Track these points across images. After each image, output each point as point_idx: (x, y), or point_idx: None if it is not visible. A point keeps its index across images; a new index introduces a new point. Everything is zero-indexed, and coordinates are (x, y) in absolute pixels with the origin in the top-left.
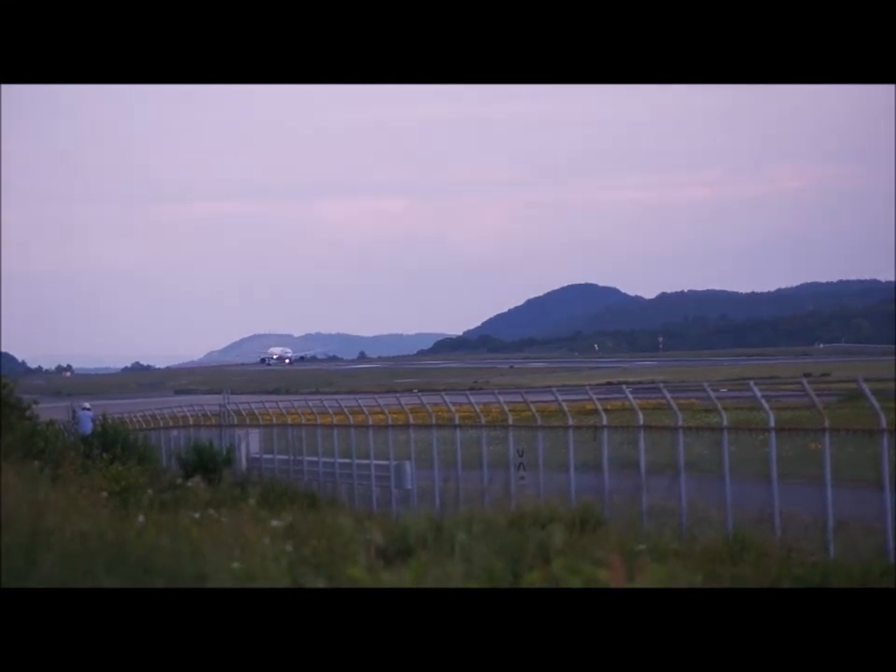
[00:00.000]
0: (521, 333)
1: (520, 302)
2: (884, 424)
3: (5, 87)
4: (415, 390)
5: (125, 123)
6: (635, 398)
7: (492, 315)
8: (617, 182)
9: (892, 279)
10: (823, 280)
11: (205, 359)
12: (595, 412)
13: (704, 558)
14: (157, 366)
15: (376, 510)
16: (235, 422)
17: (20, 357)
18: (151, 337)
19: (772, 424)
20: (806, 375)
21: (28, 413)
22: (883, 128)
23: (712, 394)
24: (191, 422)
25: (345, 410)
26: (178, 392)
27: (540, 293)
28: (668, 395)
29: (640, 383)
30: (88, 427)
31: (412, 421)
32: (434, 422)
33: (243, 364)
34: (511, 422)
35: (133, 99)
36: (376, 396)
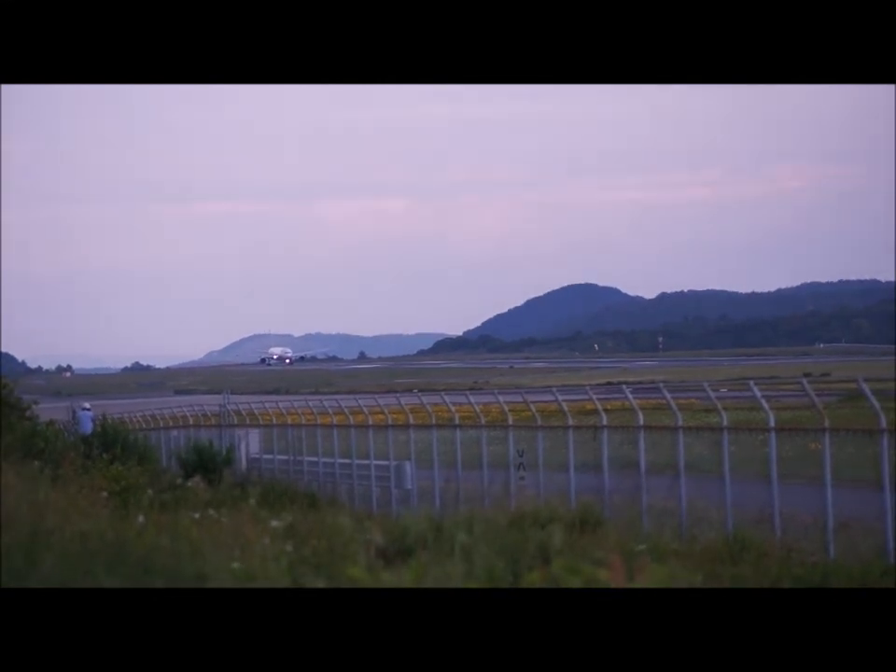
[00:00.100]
0: (521, 333)
1: (520, 302)
2: (884, 424)
3: (5, 87)
4: (415, 390)
5: (125, 123)
6: (635, 398)
7: (492, 315)
8: (617, 182)
9: (892, 279)
10: (823, 280)
11: (205, 359)
12: (595, 412)
13: (704, 558)
14: (157, 366)
15: (376, 510)
16: (235, 422)
17: (20, 358)
18: (151, 337)
19: (772, 424)
20: (806, 375)
21: (28, 413)
22: (883, 128)
23: (712, 394)
24: (191, 422)
25: (345, 410)
26: (178, 392)
27: (540, 293)
28: (668, 395)
29: (640, 383)
30: (88, 428)
31: (412, 421)
32: (434, 422)
33: (243, 364)
34: (510, 422)
35: (133, 99)
36: (376, 396)
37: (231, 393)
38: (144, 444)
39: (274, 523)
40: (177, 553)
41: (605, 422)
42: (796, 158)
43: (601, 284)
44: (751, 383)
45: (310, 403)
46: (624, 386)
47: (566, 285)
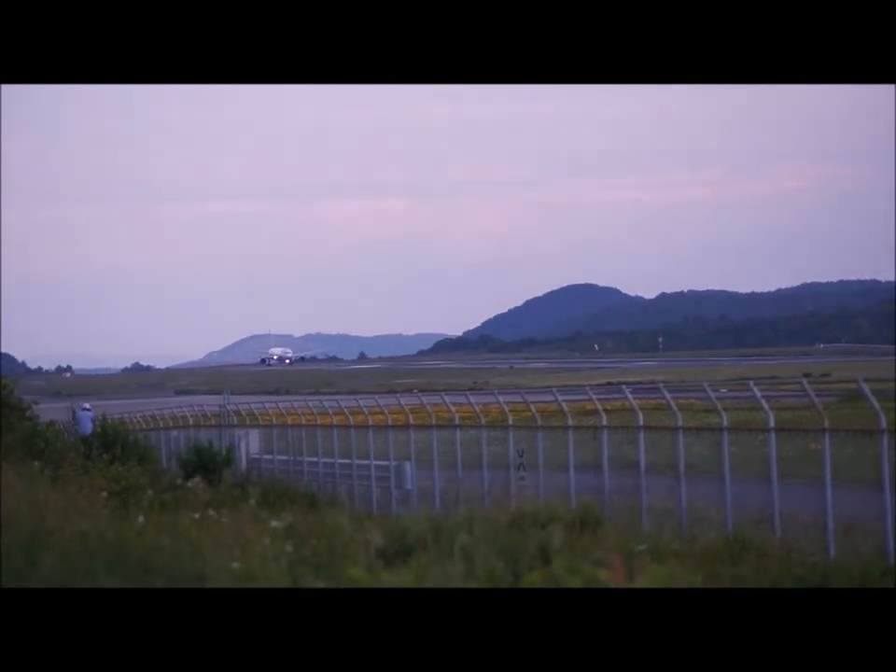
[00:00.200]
0: (521, 333)
1: (520, 303)
2: (884, 424)
3: (5, 87)
4: (415, 390)
5: (125, 123)
6: (635, 398)
7: (492, 315)
8: (617, 182)
9: (892, 279)
10: (823, 280)
11: (205, 360)
12: (595, 412)
13: (704, 558)
14: (157, 366)
15: (376, 510)
16: (235, 422)
17: (20, 358)
18: (151, 337)
19: (772, 424)
20: (806, 375)
21: (28, 413)
22: (883, 128)
23: (712, 394)
24: (191, 422)
25: (345, 410)
26: (178, 392)
27: (540, 293)
28: (668, 395)
29: (640, 383)
30: (88, 428)
31: (412, 421)
32: (434, 422)
33: (243, 364)
34: (510, 422)
35: (133, 99)
36: (376, 396)
37: (231, 393)
38: (144, 445)
39: (274, 523)
40: (177, 553)
41: (605, 422)
42: (796, 158)
43: (601, 284)
44: (751, 383)
45: (310, 403)
46: (624, 387)
47: (565, 285)
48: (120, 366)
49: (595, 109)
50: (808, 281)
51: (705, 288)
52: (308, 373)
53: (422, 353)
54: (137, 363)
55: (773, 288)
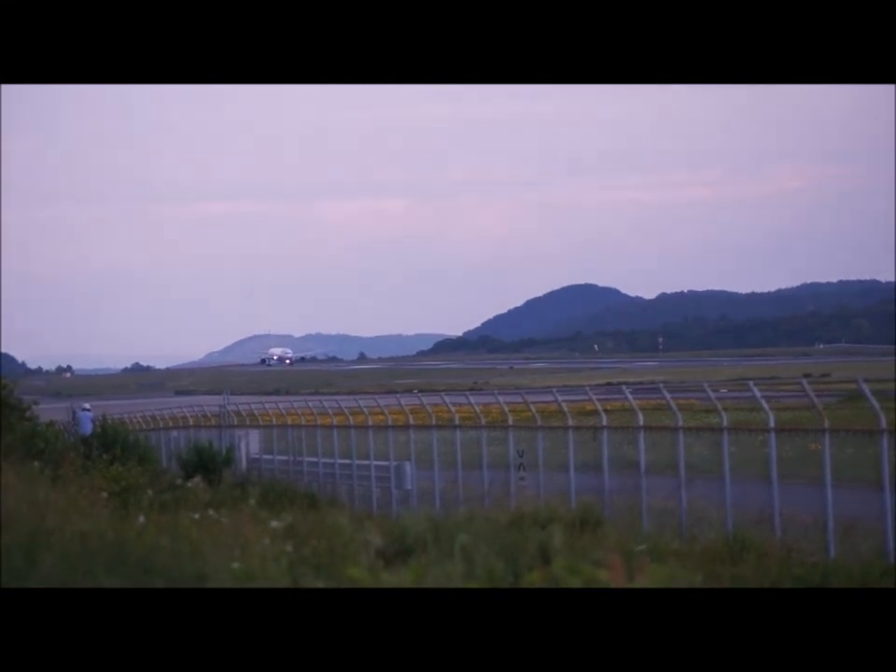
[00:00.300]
0: (521, 334)
1: (519, 303)
2: (884, 424)
3: (5, 87)
4: (415, 391)
5: (125, 123)
6: (635, 398)
7: (491, 315)
8: (617, 182)
9: (892, 279)
10: (823, 280)
11: (205, 360)
12: (595, 412)
13: (704, 558)
14: (157, 367)
15: (376, 510)
16: (235, 422)
17: (19, 358)
18: (151, 338)
19: (772, 424)
20: (806, 376)
21: (28, 413)
22: (883, 128)
23: (712, 394)
24: (191, 423)
25: (345, 410)
26: (178, 393)
27: (540, 293)
28: (668, 395)
29: (640, 383)
30: (88, 428)
31: (412, 422)
32: (434, 422)
33: (243, 365)
34: (510, 422)
35: (133, 99)
36: (376, 396)
37: (231, 393)
38: (144, 445)
39: (274, 523)
40: (177, 553)
41: (605, 422)
42: (796, 158)
43: (601, 284)
44: (751, 383)
45: (310, 404)
46: (624, 387)
47: (565, 285)
48: (120, 366)
49: (594, 109)
50: (808, 281)
51: (705, 289)
52: (308, 374)
53: (422, 353)
54: (137, 363)
55: (773, 289)
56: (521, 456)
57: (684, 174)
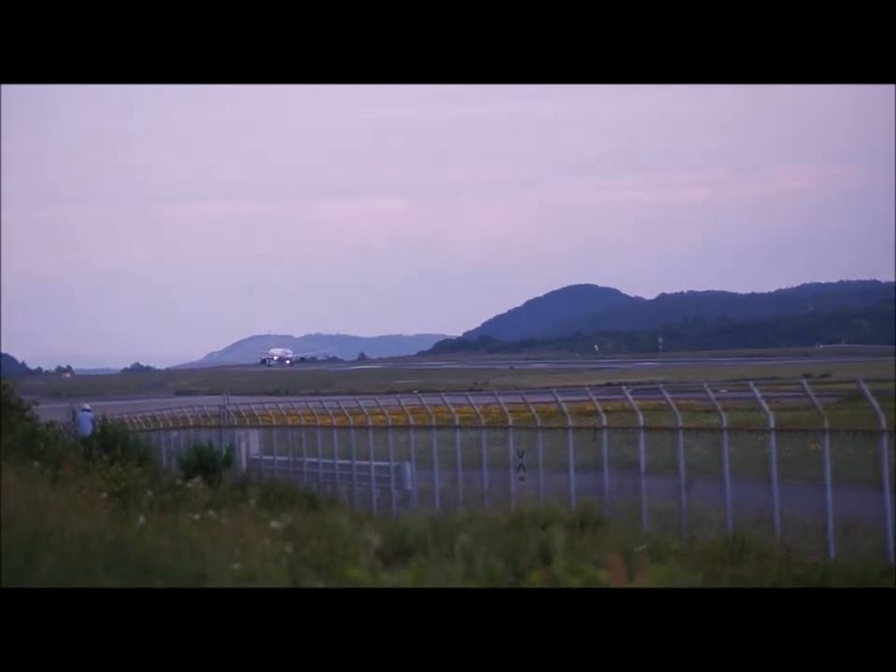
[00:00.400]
0: (521, 334)
1: (520, 303)
2: (884, 424)
3: (5, 87)
4: (415, 391)
5: (125, 123)
6: (635, 398)
7: (492, 315)
8: (617, 182)
9: (893, 279)
10: (824, 280)
11: (205, 360)
12: (595, 412)
13: (704, 558)
14: (157, 367)
15: (376, 511)
16: (235, 423)
17: (19, 358)
18: (151, 338)
19: (772, 424)
20: (807, 376)
21: (28, 414)
22: (883, 128)
23: (712, 395)
24: (191, 423)
25: (345, 411)
26: (178, 393)
27: (540, 294)
28: (668, 396)
29: (640, 383)
30: (88, 429)
31: (412, 422)
32: (434, 423)
33: (243, 365)
34: (510, 423)
35: (133, 99)
36: (376, 397)
37: (231, 394)
38: (144, 445)
39: (274, 523)
40: (177, 553)
41: (605, 423)
42: (797, 158)
43: (601, 284)
44: (751, 383)
45: (310, 404)
46: (624, 387)
47: (565, 285)
48: (120, 366)
49: (594, 109)
50: (808, 281)
51: (705, 289)
52: (308, 374)
53: (422, 353)
54: (137, 363)
55: (773, 289)
56: (521, 457)
57: (684, 174)
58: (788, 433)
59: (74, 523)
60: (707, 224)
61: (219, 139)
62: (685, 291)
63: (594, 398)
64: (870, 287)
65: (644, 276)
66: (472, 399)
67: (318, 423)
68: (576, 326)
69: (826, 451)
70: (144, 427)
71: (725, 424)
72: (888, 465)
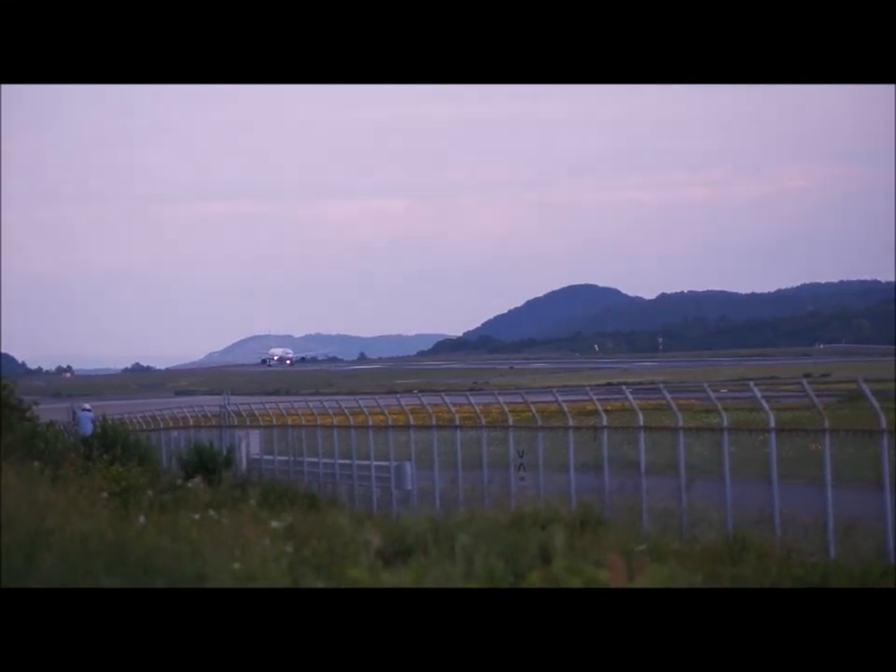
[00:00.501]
0: (521, 334)
1: (520, 303)
2: (884, 424)
3: (5, 87)
4: (415, 391)
5: (125, 123)
6: (635, 398)
7: (492, 315)
8: (617, 182)
9: (893, 279)
10: (824, 280)
11: (206, 360)
12: (596, 412)
13: (704, 558)
14: (157, 367)
15: (376, 510)
16: (235, 423)
17: (20, 358)
18: (151, 338)
19: (772, 424)
20: (807, 376)
21: (28, 413)
22: (884, 128)
23: (712, 394)
24: (192, 423)
25: (345, 410)
26: (178, 393)
27: (540, 294)
28: (668, 395)
29: (640, 383)
30: (88, 428)
31: (412, 422)
32: (434, 423)
33: (243, 365)
34: (511, 423)
35: (133, 99)
36: (376, 396)
37: (232, 394)
38: (144, 445)
39: (275, 523)
40: (178, 553)
41: (605, 422)
42: (797, 158)
43: (601, 284)
44: (751, 383)
45: (310, 404)
46: (624, 387)
47: (565, 285)
48: (120, 366)
49: (595, 109)
50: (808, 281)
51: (705, 289)
52: (308, 374)
53: (422, 353)
54: (137, 363)
55: (773, 289)
56: (521, 456)
57: (684, 174)
58: (788, 433)
59: (74, 523)
60: (707, 224)
61: (219, 139)
62: (685, 291)
63: (594, 397)
64: (870, 287)
65: (644, 276)
66: (472, 399)
67: (318, 423)
68: (576, 326)
69: (826, 451)
70: (144, 426)
71: (725, 424)
72: (888, 465)
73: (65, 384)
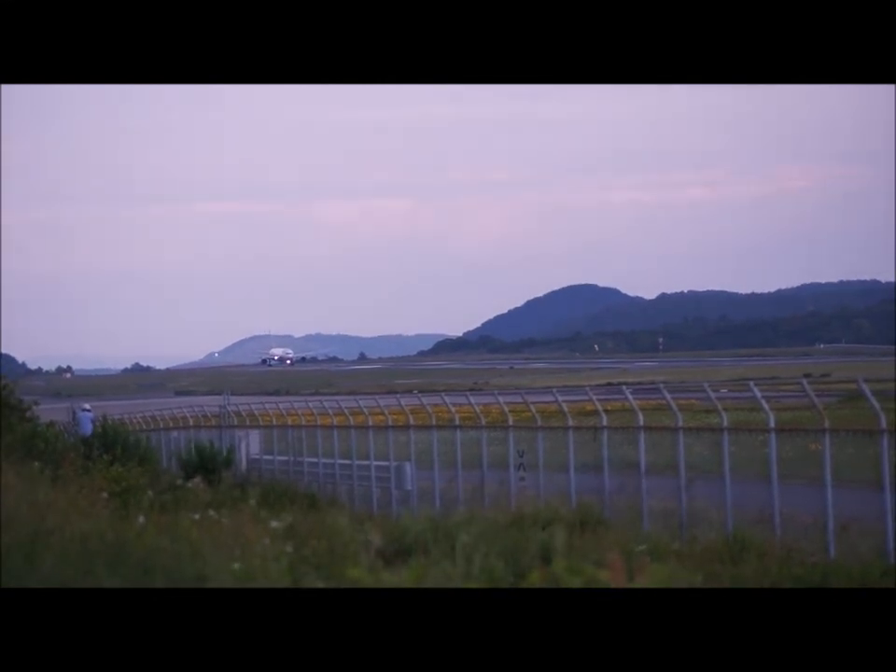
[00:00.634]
0: (521, 334)
1: (520, 303)
2: (884, 424)
3: (5, 87)
4: (415, 391)
5: (125, 123)
6: (635, 398)
7: (492, 315)
8: (617, 182)
9: (893, 279)
10: (824, 280)
11: (205, 360)
12: (596, 412)
13: (704, 558)
14: (157, 367)
15: (376, 510)
16: (235, 423)
17: (20, 358)
18: (151, 338)
19: (772, 424)
20: (807, 376)
21: (28, 414)
22: (884, 128)
23: (712, 394)
24: (191, 423)
25: (345, 411)
26: (178, 393)
27: (540, 294)
28: (668, 395)
29: (640, 383)
30: (88, 429)
31: (412, 422)
32: (434, 423)
33: (243, 365)
34: (511, 423)
35: (132, 99)
36: (376, 397)
37: (232, 394)
38: (144, 445)
39: (274, 523)
40: (178, 553)
41: (605, 422)
42: (797, 158)
43: (601, 284)
44: (751, 383)
45: (310, 404)
46: (624, 387)
47: (565, 285)
48: (120, 366)
49: (595, 109)
50: (809, 281)
51: (705, 289)
52: (308, 374)
53: (422, 353)
54: (137, 364)
55: (773, 289)
56: (521, 457)
57: (684, 174)
58: (788, 433)
59: (74, 523)
60: (707, 224)
61: (220, 139)
62: (685, 291)
63: (594, 397)
64: (870, 287)
65: (644, 276)
66: (472, 399)
67: (318, 423)
68: (576, 326)
69: (826, 451)
70: (144, 427)
71: (725, 424)
72: (888, 465)
73: (65, 384)
